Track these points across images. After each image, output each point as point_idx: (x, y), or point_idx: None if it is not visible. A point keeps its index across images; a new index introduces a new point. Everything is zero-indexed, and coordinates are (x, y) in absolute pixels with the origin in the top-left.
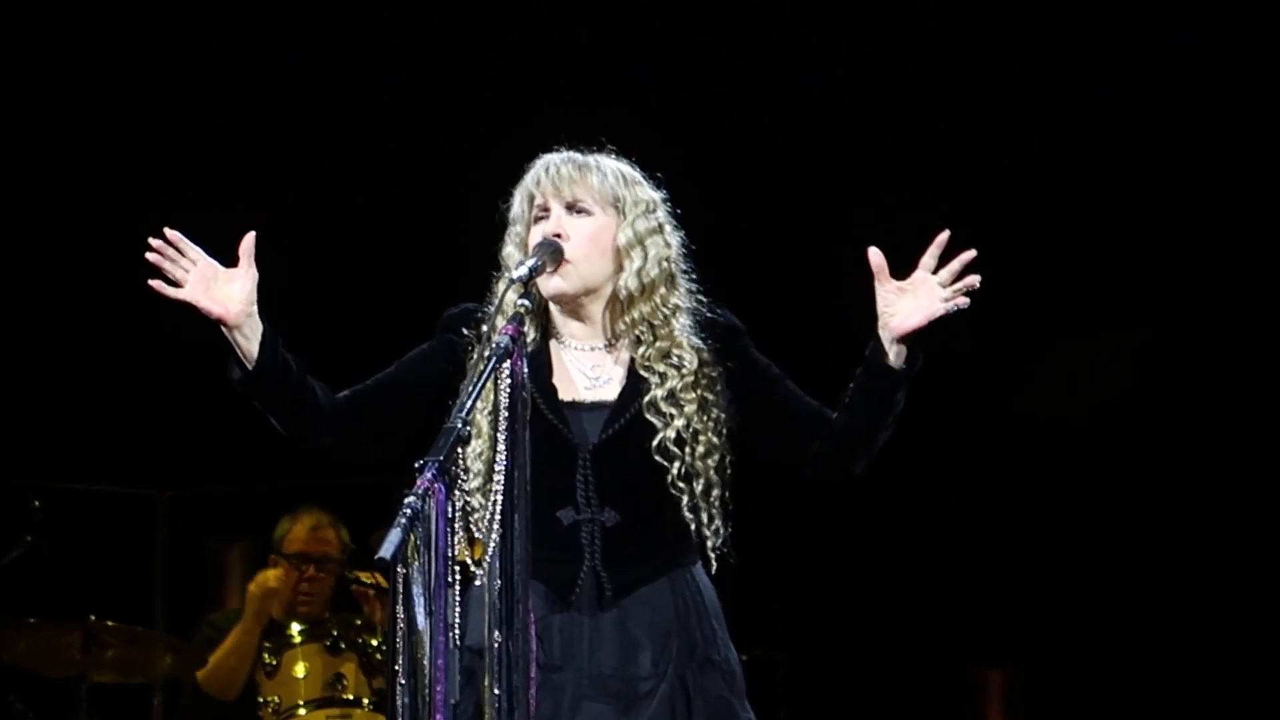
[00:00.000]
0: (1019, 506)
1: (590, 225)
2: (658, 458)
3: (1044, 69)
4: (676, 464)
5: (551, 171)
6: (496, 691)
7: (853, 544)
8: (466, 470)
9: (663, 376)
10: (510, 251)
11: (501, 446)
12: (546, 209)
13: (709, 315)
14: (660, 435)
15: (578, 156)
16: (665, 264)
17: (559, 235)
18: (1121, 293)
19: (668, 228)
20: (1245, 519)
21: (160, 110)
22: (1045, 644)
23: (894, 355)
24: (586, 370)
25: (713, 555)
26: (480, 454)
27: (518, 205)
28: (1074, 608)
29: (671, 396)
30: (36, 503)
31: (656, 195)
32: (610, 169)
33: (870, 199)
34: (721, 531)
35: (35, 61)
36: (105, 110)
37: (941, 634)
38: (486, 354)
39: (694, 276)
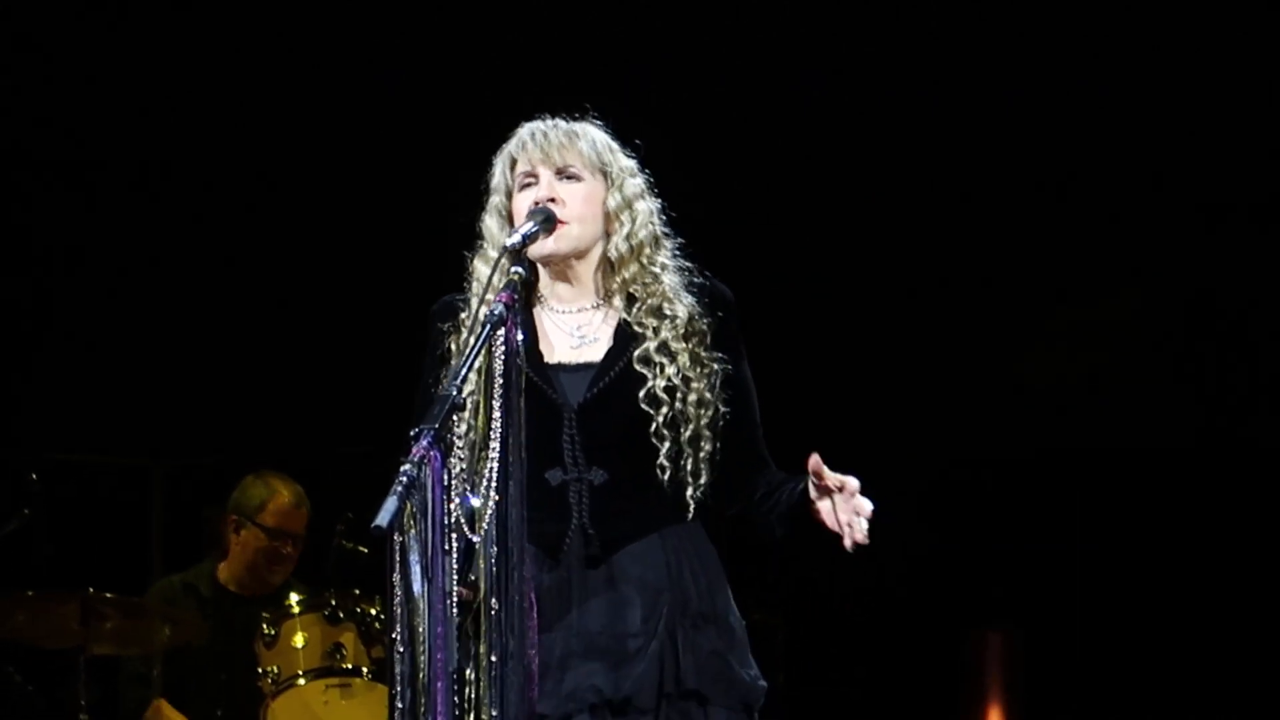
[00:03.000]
0: (1016, 470)
1: (582, 189)
2: (645, 406)
3: (1039, 42)
4: (664, 410)
5: (539, 138)
6: (494, 659)
7: None
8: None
9: (655, 330)
10: (490, 223)
11: (497, 414)
12: (534, 175)
13: (699, 280)
14: (650, 384)
15: (563, 123)
16: (651, 226)
17: (553, 200)
18: (1115, 258)
19: (648, 193)
20: (1244, 481)
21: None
22: (1044, 608)
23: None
24: (572, 331)
25: (692, 504)
26: (469, 428)
27: (499, 173)
28: (1073, 572)
29: (664, 347)
30: (33, 475)
31: (633, 162)
32: (596, 136)
33: (867, 170)
34: (705, 485)
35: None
36: (119, 93)
37: (940, 598)
38: (480, 321)
39: (678, 240)
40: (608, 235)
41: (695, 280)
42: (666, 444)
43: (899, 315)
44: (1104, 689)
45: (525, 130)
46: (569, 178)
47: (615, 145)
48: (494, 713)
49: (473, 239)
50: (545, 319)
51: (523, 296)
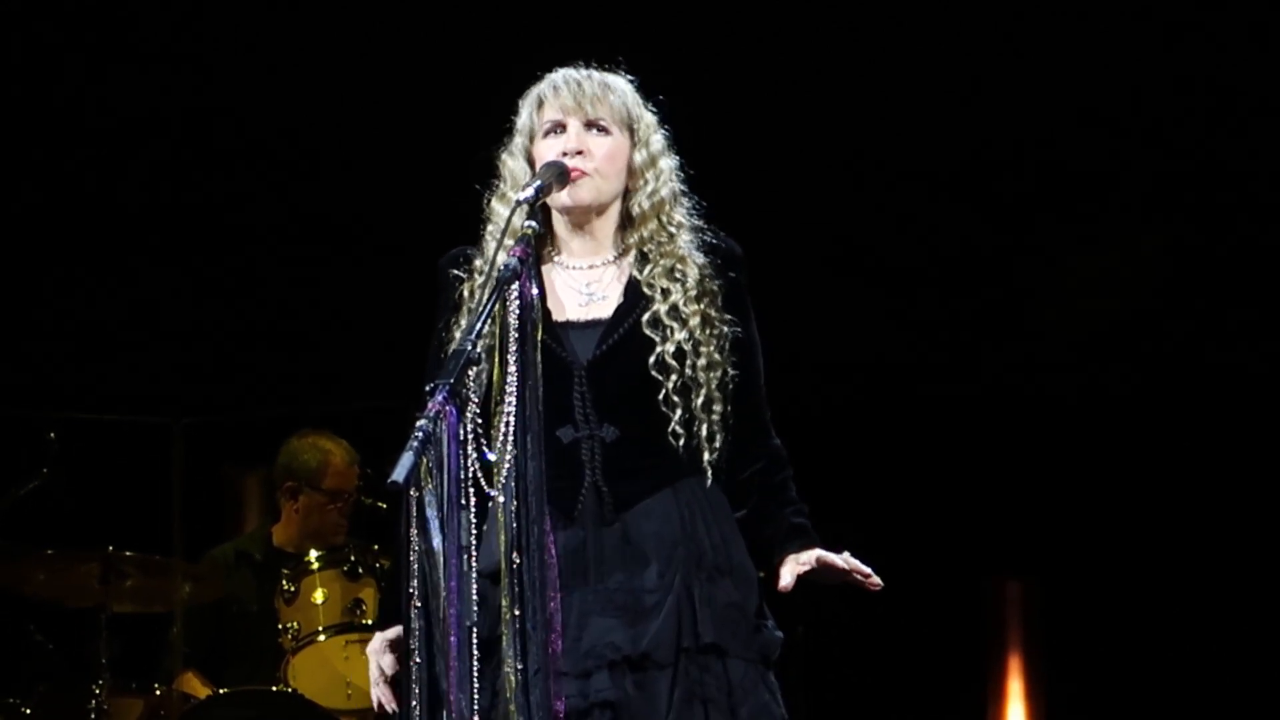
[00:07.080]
0: (1039, 418)
1: (609, 143)
2: (654, 373)
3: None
4: (674, 377)
5: (573, 86)
6: (517, 613)
7: (870, 457)
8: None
9: (665, 292)
10: (512, 164)
11: (512, 369)
12: (562, 124)
13: (711, 239)
14: (659, 350)
15: (597, 74)
16: (672, 184)
17: (580, 152)
18: (1138, 200)
19: (669, 149)
20: (1271, 429)
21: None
22: (1064, 557)
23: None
24: (581, 288)
25: (709, 470)
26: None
27: (525, 115)
28: (1093, 520)
29: (674, 310)
30: (52, 434)
31: (655, 117)
32: (626, 89)
33: (880, 104)
34: (719, 448)
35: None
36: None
37: (959, 547)
38: (494, 275)
39: (693, 199)
40: (629, 191)
41: (708, 239)
42: (679, 411)
43: (925, 270)
44: (1124, 638)
45: (558, 76)
46: (599, 130)
47: (640, 99)
48: (518, 667)
49: (485, 190)
50: (555, 275)
51: (535, 251)
